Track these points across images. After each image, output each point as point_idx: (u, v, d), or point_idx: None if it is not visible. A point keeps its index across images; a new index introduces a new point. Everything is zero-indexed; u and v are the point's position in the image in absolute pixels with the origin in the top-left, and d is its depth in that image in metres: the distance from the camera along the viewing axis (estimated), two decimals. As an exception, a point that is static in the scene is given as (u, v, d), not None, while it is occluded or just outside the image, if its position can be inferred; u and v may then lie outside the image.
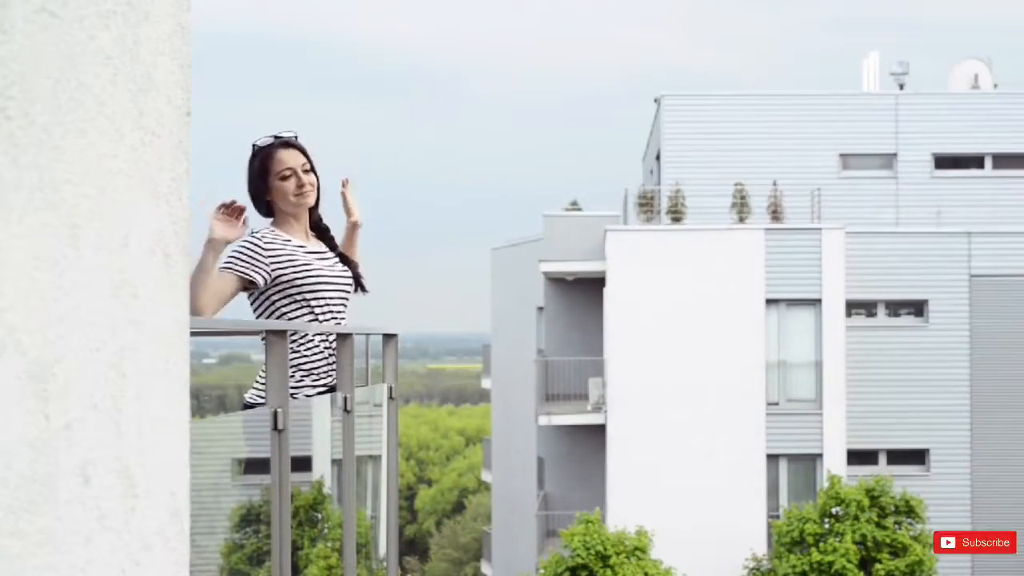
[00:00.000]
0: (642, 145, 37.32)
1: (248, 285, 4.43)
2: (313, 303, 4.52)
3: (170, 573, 1.76)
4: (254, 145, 4.61)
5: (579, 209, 38.31)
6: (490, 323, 35.84)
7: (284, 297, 4.49)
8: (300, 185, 4.54)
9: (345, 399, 3.99)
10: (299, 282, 4.50)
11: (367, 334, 4.78)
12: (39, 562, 1.46)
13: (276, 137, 4.60)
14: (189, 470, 1.84)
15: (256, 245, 4.44)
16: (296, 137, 4.64)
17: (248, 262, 4.40)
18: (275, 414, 3.09)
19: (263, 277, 4.42)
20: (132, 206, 1.68)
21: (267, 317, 4.49)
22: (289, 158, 4.56)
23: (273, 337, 3.22)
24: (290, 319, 4.47)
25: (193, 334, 1.94)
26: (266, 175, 4.55)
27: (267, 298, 4.49)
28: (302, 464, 3.61)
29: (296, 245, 4.55)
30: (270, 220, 4.62)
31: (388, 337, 4.97)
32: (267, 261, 4.44)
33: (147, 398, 1.71)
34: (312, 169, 4.60)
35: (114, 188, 1.64)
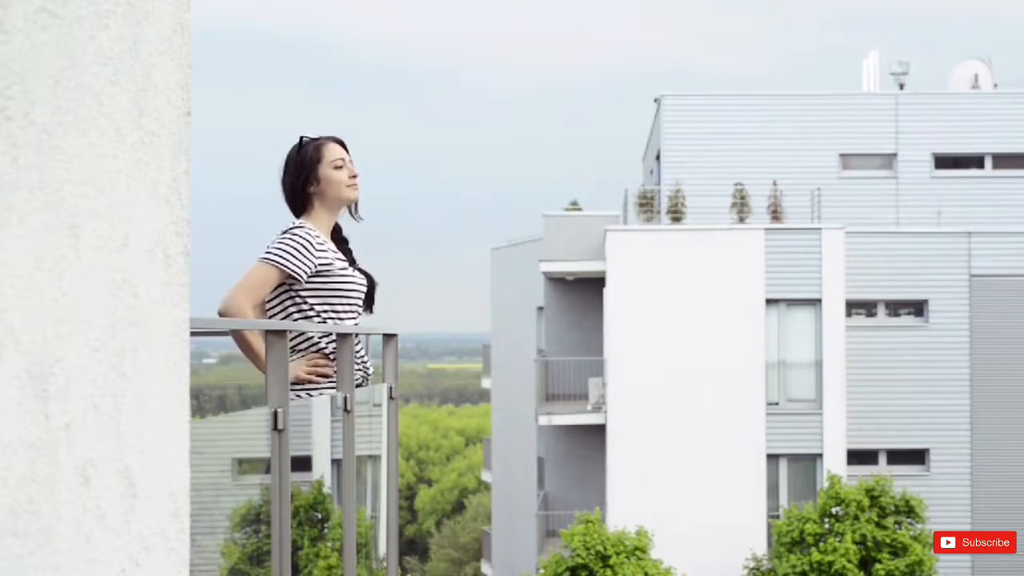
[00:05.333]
0: (642, 145, 37.33)
1: (287, 280, 4.47)
2: (339, 306, 4.57)
3: (170, 573, 1.76)
4: (302, 137, 4.70)
5: (579, 209, 38.33)
6: (490, 323, 35.84)
7: (315, 296, 4.53)
8: (352, 176, 4.65)
9: (345, 399, 3.99)
10: (334, 284, 4.56)
11: (367, 334, 4.78)
12: (39, 562, 1.46)
13: (322, 136, 4.72)
14: (189, 470, 1.84)
15: (307, 240, 4.50)
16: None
17: (297, 258, 4.46)
18: (275, 414, 3.09)
19: (306, 273, 4.48)
20: (132, 206, 1.68)
21: (290, 312, 4.54)
22: (341, 151, 4.69)
23: (273, 337, 3.22)
24: (322, 319, 4.52)
25: (193, 334, 1.94)
26: (319, 163, 4.63)
27: (296, 293, 4.53)
28: (302, 464, 3.61)
29: (332, 249, 4.62)
30: (299, 218, 4.65)
31: (388, 337, 4.97)
32: (315, 258, 4.50)
33: (147, 398, 1.71)
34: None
35: (114, 188, 1.64)
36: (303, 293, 4.54)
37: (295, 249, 4.46)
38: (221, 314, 4.32)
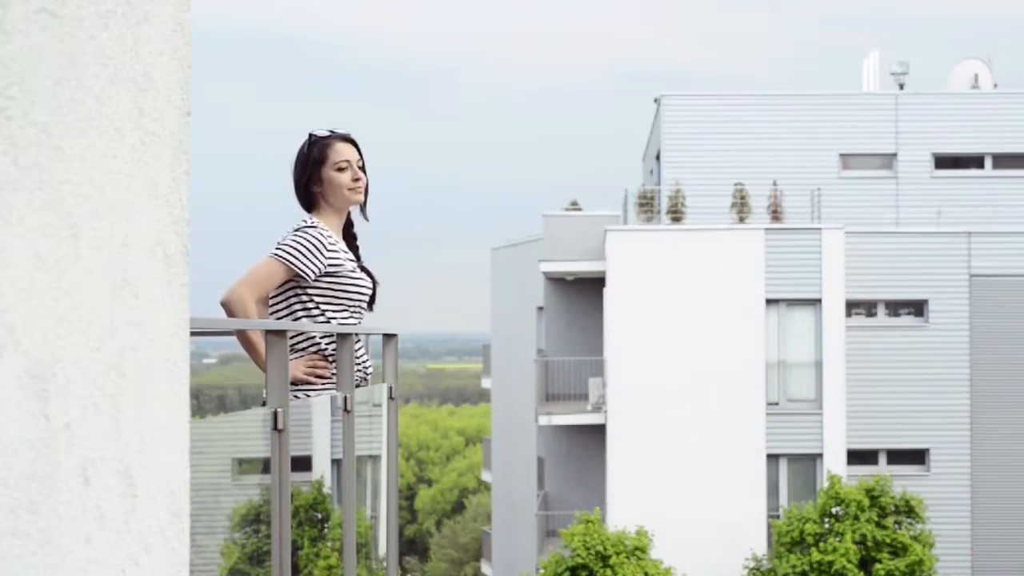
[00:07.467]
0: (642, 145, 37.32)
1: (294, 278, 4.45)
2: (346, 308, 4.56)
3: (170, 573, 1.76)
4: (311, 135, 4.63)
5: (579, 209, 38.30)
6: (490, 323, 35.83)
7: (323, 296, 4.51)
8: (356, 179, 4.58)
9: (345, 399, 3.99)
10: (343, 286, 4.54)
11: (367, 334, 4.78)
12: (39, 562, 1.46)
13: (333, 132, 4.64)
14: (189, 470, 1.84)
15: (319, 241, 4.46)
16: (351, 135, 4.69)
17: (308, 257, 4.43)
18: (275, 414, 3.09)
19: (315, 273, 4.45)
20: (132, 206, 1.68)
21: (295, 310, 4.51)
22: (347, 151, 4.60)
23: (273, 337, 3.22)
24: (330, 319, 4.51)
25: (193, 334, 1.94)
26: (322, 164, 4.57)
27: (303, 291, 4.50)
28: (302, 464, 3.61)
29: (343, 250, 4.58)
30: (309, 214, 4.61)
31: (388, 337, 4.97)
32: (325, 260, 4.47)
33: (147, 398, 1.71)
34: (364, 168, 4.64)
35: (114, 188, 1.64)
36: (310, 292, 4.51)
37: (306, 248, 4.44)
38: (223, 304, 4.30)
